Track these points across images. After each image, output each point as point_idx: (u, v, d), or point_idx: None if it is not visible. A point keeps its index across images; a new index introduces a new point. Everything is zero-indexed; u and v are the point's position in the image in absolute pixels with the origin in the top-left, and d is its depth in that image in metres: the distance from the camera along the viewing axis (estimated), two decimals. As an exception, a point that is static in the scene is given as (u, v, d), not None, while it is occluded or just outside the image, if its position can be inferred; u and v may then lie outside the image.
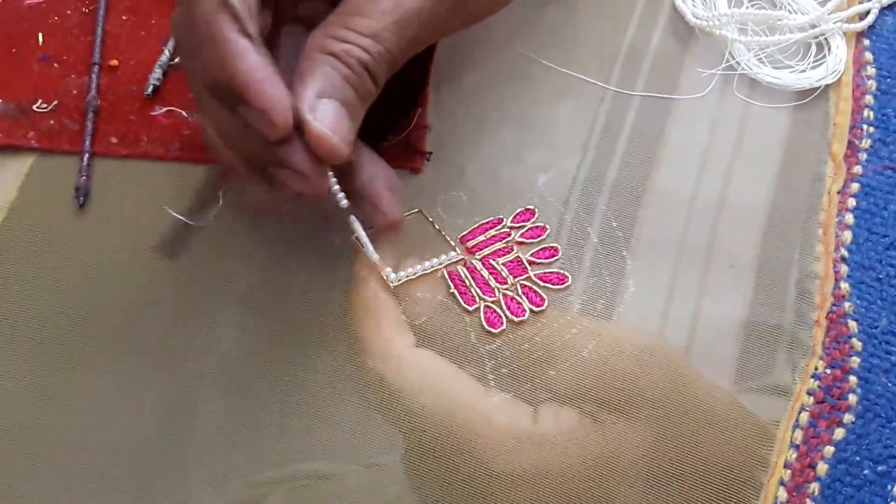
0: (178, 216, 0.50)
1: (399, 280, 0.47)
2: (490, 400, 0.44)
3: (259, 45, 0.41)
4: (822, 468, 0.44)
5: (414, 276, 0.48)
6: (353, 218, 0.47)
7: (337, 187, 0.45)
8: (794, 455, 0.44)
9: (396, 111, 0.53)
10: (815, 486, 0.43)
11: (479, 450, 0.43)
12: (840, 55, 0.56)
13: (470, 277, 0.48)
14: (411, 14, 0.44)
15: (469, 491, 0.43)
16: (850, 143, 0.54)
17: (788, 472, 0.44)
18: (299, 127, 0.41)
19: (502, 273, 0.48)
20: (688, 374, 0.46)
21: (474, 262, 0.49)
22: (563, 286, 0.48)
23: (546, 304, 0.47)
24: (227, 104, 0.42)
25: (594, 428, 0.44)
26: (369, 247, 0.47)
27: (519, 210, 0.51)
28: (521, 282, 0.48)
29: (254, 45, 0.40)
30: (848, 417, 0.45)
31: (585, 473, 0.43)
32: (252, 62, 0.40)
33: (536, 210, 0.51)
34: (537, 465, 0.43)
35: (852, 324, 0.47)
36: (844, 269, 0.49)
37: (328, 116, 0.42)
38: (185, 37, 0.43)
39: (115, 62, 0.58)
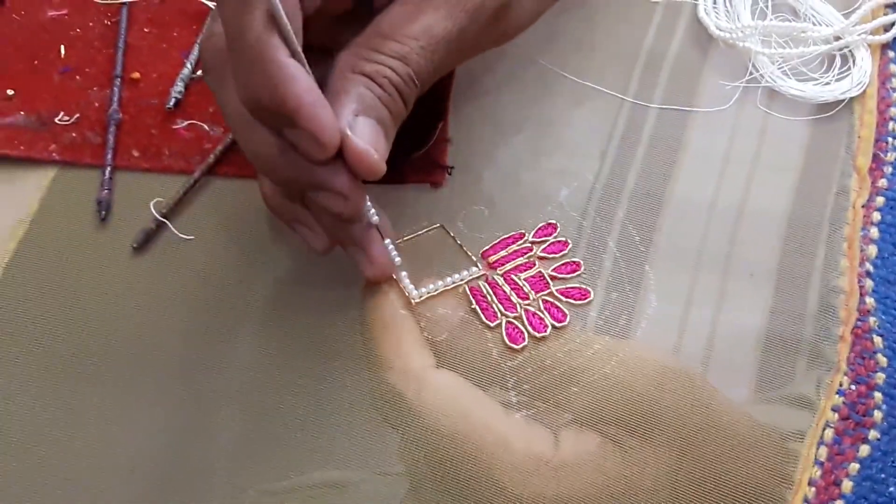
0: (155, 213, 0.52)
1: (421, 296, 0.47)
2: (510, 423, 0.44)
3: (306, 65, 0.41)
4: (846, 485, 0.43)
5: (435, 293, 0.48)
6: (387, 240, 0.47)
7: (369, 204, 0.46)
8: (819, 472, 0.44)
9: (419, 129, 0.53)
10: (840, 504, 0.43)
11: (498, 475, 0.43)
12: (865, 67, 0.56)
13: (492, 293, 0.48)
14: (439, 39, 0.45)
15: None
16: (874, 156, 0.53)
17: (813, 489, 0.43)
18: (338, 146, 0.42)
19: (524, 288, 0.48)
20: (709, 396, 0.45)
21: (496, 277, 0.49)
22: (585, 301, 0.48)
23: (568, 319, 0.47)
24: (272, 126, 0.42)
25: (615, 452, 0.43)
26: (399, 269, 0.48)
27: (541, 225, 0.51)
28: (543, 297, 0.48)
29: (303, 67, 0.40)
30: (873, 434, 0.45)
31: (606, 498, 0.42)
32: (303, 86, 0.40)
33: (558, 224, 0.51)
34: (556, 491, 0.43)
35: (877, 339, 0.47)
36: (869, 283, 0.49)
37: (367, 134, 0.42)
38: (221, 61, 0.43)
39: (136, 75, 0.59)
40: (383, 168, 0.42)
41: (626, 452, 0.43)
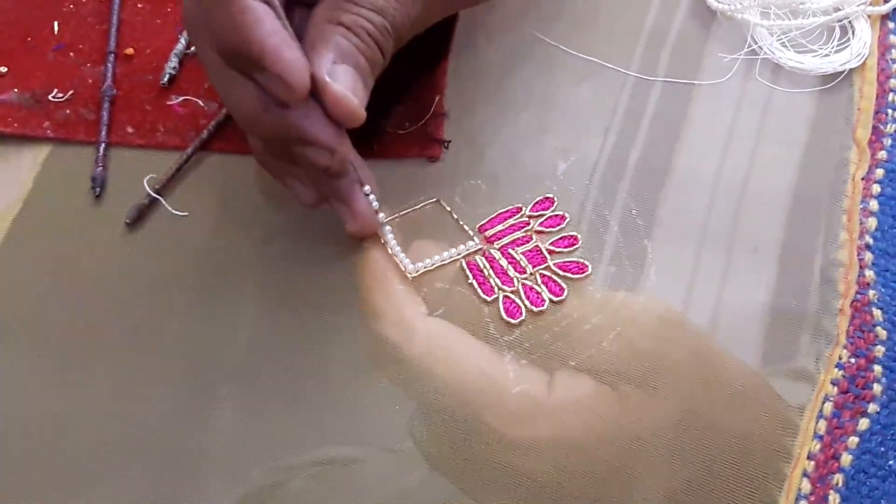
0: (148, 189, 0.52)
1: (417, 271, 0.47)
2: (503, 367, 0.45)
3: (277, 9, 0.41)
4: (846, 459, 0.43)
5: (432, 267, 0.48)
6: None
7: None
8: (818, 446, 0.44)
9: (415, 100, 0.53)
10: (838, 478, 0.43)
11: (493, 417, 0.43)
12: (864, 38, 0.55)
13: (489, 267, 0.48)
14: None
15: (483, 459, 0.43)
16: (874, 128, 0.53)
17: (812, 463, 0.43)
18: (317, 97, 0.42)
19: (521, 263, 0.48)
20: (711, 349, 0.46)
21: (493, 251, 0.49)
22: (583, 275, 0.48)
23: (566, 293, 0.47)
24: (244, 72, 0.42)
25: (611, 397, 0.44)
26: (391, 239, 0.48)
27: (538, 198, 0.51)
28: (541, 271, 0.48)
29: (272, 9, 0.40)
30: (872, 407, 0.44)
31: (602, 443, 0.43)
32: (267, 28, 0.40)
33: (556, 198, 0.51)
34: (551, 434, 0.43)
35: (877, 312, 0.47)
36: (869, 256, 0.49)
37: (346, 80, 0.43)
38: (199, 14, 0.43)
39: (130, 51, 0.58)
40: (363, 114, 0.43)
41: (623, 398, 0.44)
